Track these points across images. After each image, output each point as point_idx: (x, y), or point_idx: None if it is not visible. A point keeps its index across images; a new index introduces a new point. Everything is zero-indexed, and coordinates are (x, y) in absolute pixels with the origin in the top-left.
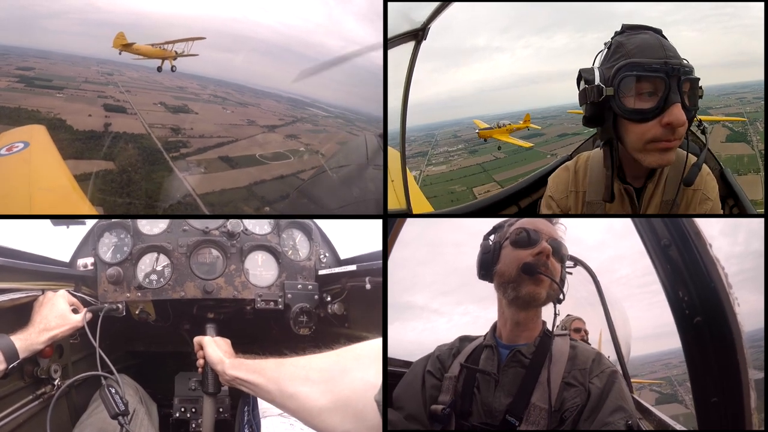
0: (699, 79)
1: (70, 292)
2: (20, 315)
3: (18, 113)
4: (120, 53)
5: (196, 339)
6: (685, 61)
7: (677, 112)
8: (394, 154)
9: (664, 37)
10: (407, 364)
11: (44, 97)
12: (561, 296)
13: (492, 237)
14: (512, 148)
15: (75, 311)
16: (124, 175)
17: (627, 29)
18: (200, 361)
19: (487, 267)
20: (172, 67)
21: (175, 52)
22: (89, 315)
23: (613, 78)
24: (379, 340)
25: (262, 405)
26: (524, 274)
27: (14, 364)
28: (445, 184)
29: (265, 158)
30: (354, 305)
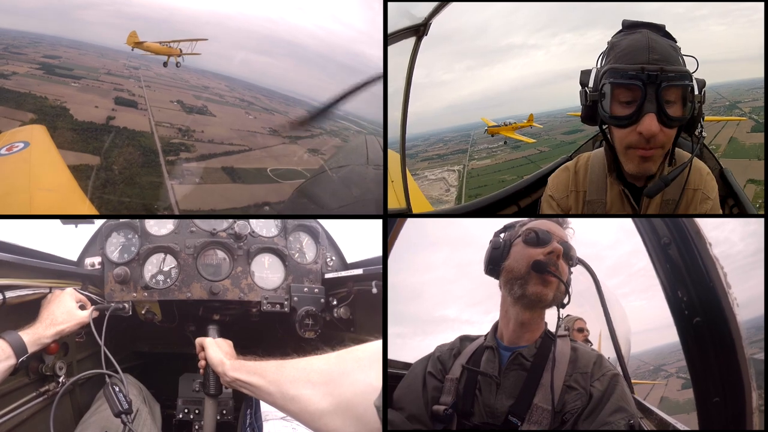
0: (690, 85)
1: (77, 290)
2: (28, 312)
3: (24, 98)
4: (132, 50)
5: (198, 340)
6: (675, 65)
7: (649, 122)
8: (394, 157)
9: (667, 35)
10: (407, 366)
11: (58, 86)
12: (566, 300)
13: (503, 235)
14: (555, 142)
15: (82, 308)
16: (102, 173)
17: (625, 27)
18: (201, 362)
19: (495, 262)
20: (177, 63)
21: (180, 50)
22: (95, 313)
23: (598, 83)
24: (380, 342)
25: (264, 408)
26: (534, 272)
27: (23, 358)
28: (493, 175)
29: (276, 175)
30: (360, 309)
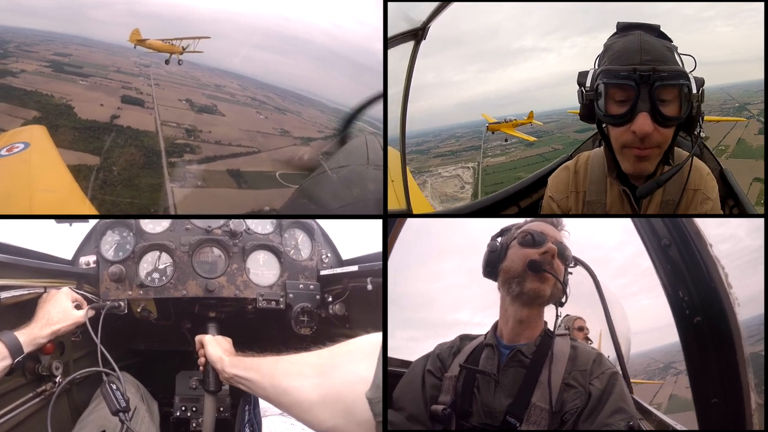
0: (686, 84)
1: (72, 290)
2: (23, 312)
3: (30, 96)
4: (135, 47)
5: (198, 337)
6: (668, 65)
7: (642, 122)
8: (394, 154)
9: (662, 35)
10: (405, 363)
11: (66, 83)
12: (563, 298)
13: (499, 239)
14: (568, 140)
15: (78, 307)
16: (101, 173)
17: (620, 30)
18: (201, 360)
19: (492, 265)
20: (179, 60)
21: (182, 48)
22: (91, 312)
23: (593, 84)
24: (372, 336)
25: (263, 404)
26: (530, 271)
27: (19, 358)
28: (508, 172)
29: (285, 179)
30: (355, 306)
